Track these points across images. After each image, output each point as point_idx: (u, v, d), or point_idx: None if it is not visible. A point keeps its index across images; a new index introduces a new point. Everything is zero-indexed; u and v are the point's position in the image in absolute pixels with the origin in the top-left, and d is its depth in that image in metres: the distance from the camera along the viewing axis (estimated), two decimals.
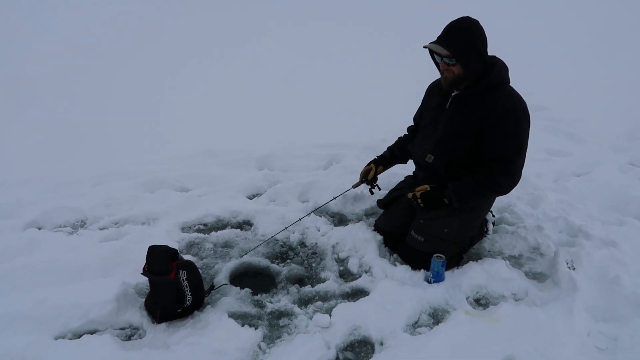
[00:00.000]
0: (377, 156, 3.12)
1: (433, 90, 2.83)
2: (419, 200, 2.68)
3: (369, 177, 3.04)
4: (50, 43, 8.00)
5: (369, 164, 3.07)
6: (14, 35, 8.18)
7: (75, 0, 10.43)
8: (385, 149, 3.13)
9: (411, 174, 3.11)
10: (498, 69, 2.47)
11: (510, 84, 2.54)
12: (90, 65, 7.31)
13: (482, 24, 2.43)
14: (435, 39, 2.44)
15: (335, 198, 3.21)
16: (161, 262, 2.22)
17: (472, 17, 2.43)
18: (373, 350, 2.16)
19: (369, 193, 3.16)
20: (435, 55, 2.52)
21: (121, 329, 2.26)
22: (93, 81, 6.63)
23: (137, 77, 6.92)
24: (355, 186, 3.12)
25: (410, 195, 2.74)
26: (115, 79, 6.83)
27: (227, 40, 9.18)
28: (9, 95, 5.77)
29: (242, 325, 2.24)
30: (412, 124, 3.11)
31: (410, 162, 3.04)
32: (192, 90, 6.58)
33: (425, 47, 2.46)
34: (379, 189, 3.14)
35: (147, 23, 9.84)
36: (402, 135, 3.13)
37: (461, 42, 2.38)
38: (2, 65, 6.86)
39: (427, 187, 2.70)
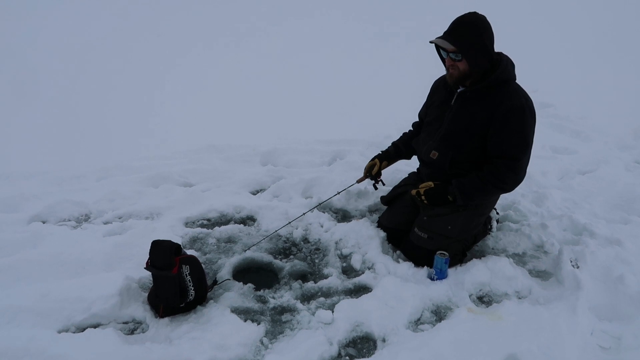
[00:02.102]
0: (382, 151, 3.11)
1: (438, 87, 2.81)
2: (423, 197, 2.68)
3: (373, 172, 3.03)
4: (52, 37, 8.01)
5: (373, 159, 3.06)
6: (16, 31, 8.19)
7: None
8: (390, 145, 3.12)
9: (415, 170, 3.10)
10: (504, 65, 2.45)
11: (516, 81, 2.53)
12: (94, 59, 7.31)
13: (488, 20, 2.41)
14: (441, 34, 2.43)
15: (339, 193, 3.20)
16: (164, 256, 2.22)
17: (480, 13, 2.41)
18: (375, 347, 2.16)
19: (373, 188, 3.16)
20: (441, 51, 2.50)
21: (124, 323, 2.27)
22: (96, 75, 6.63)
23: (141, 71, 6.92)
24: (359, 181, 3.12)
25: (414, 192, 2.74)
26: (119, 72, 6.83)
27: (231, 35, 9.16)
28: (13, 89, 5.77)
29: (245, 321, 2.24)
30: (417, 119, 3.10)
31: (414, 158, 3.03)
32: (196, 85, 6.57)
33: (431, 42, 2.44)
34: (383, 184, 3.13)
35: (151, 17, 9.83)
36: (407, 131, 3.12)
37: (468, 37, 2.36)
38: (5, 60, 6.87)
39: (431, 184, 2.70)
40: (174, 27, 9.32)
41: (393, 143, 3.11)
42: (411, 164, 3.30)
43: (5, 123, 4.84)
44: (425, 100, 2.97)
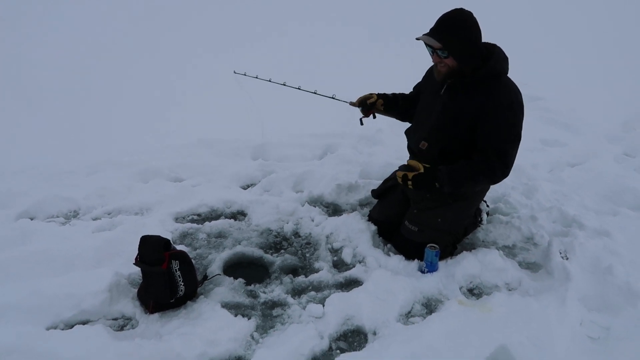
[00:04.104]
0: (379, 93, 2.99)
1: (432, 74, 2.78)
2: (409, 182, 2.59)
3: (368, 102, 2.90)
4: (47, 36, 7.91)
5: (370, 94, 2.95)
6: (13, 30, 8.08)
7: None
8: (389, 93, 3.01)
9: (405, 163, 3.09)
10: (496, 58, 2.44)
11: (508, 75, 2.52)
12: (82, 54, 7.23)
13: (479, 13, 2.40)
14: (428, 30, 2.42)
15: (334, 97, 3.08)
16: (153, 252, 2.21)
17: (466, 9, 2.40)
18: (366, 340, 2.17)
19: (359, 123, 3.01)
20: (428, 47, 2.49)
21: (114, 319, 2.25)
22: (86, 71, 6.56)
23: (131, 67, 6.86)
24: (351, 104, 3.00)
25: (400, 174, 2.63)
26: (108, 69, 6.76)
27: (223, 30, 9.10)
28: (3, 86, 5.70)
29: (235, 316, 2.24)
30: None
31: (404, 148, 2.98)
32: (185, 79, 6.52)
33: (417, 39, 2.43)
34: (374, 117, 3.00)
35: (144, 15, 9.74)
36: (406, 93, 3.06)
37: (453, 34, 2.35)
38: None
39: (420, 167, 2.61)
40: (165, 25, 9.24)
41: (392, 93, 3.01)
42: (402, 158, 3.30)
43: None
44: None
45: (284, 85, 3.12)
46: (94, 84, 6.12)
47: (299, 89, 3.11)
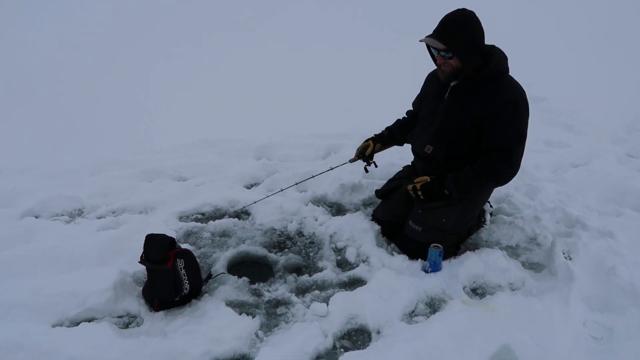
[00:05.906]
0: (375, 134, 3.07)
1: (432, 80, 2.80)
2: (420, 193, 2.68)
3: (366, 153, 3.00)
4: (43, 34, 7.93)
5: (366, 141, 3.03)
6: (5, 29, 8.10)
7: None
8: (384, 129, 3.08)
9: (409, 163, 3.10)
10: (497, 58, 2.45)
11: (510, 74, 2.53)
12: (85, 54, 7.25)
13: (483, 14, 2.40)
14: (431, 32, 2.42)
15: (332, 169, 3.20)
16: (159, 250, 2.22)
17: (468, 9, 2.40)
18: (370, 339, 2.17)
19: (364, 171, 3.11)
20: (432, 49, 2.50)
21: (119, 317, 2.26)
22: (87, 70, 6.58)
23: (133, 65, 6.88)
24: (351, 161, 3.08)
25: (410, 187, 2.73)
26: (111, 67, 6.78)
27: (223, 28, 9.11)
28: (4, 85, 5.72)
29: (240, 314, 2.24)
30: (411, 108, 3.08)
31: (408, 149, 3.01)
32: (189, 79, 6.54)
33: (421, 41, 2.43)
34: (376, 166, 3.11)
35: (140, 10, 9.75)
36: (401, 118, 3.11)
37: (457, 35, 2.36)
38: None
39: (427, 178, 2.70)
40: (165, 21, 9.25)
41: (387, 128, 3.07)
42: (405, 158, 3.30)
43: None
44: (419, 91, 2.96)
45: (296, 184, 3.35)
46: (96, 84, 6.15)
47: (312, 177, 3.32)
